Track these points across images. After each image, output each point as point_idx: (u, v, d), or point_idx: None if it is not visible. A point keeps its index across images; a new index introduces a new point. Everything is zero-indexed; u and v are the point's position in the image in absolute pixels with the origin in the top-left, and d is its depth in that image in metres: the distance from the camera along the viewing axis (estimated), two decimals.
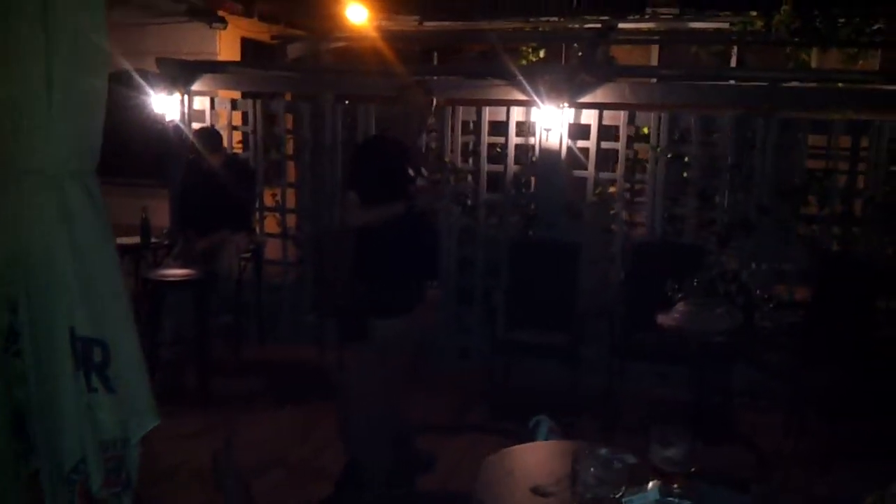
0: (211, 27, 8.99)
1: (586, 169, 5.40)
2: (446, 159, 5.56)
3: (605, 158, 5.52)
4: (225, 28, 9.04)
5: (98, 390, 2.28)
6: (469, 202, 5.69)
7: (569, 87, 5.26)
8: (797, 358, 4.37)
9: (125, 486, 2.41)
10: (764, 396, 4.73)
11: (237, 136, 6.33)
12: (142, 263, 5.68)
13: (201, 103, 6.06)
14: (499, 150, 5.58)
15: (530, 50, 8.66)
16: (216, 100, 6.08)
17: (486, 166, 5.59)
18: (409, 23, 9.02)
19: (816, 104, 5.46)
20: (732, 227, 5.07)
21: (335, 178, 5.84)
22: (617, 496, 2.12)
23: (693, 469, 2.20)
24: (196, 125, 5.86)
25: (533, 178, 5.53)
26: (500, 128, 5.59)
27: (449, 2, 9.20)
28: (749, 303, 3.92)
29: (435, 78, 5.77)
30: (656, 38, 8.63)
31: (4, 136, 2.21)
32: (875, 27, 7.22)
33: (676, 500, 2.09)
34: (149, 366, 4.59)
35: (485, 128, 5.56)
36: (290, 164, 6.21)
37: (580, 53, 8.31)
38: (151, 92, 5.86)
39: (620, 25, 8.80)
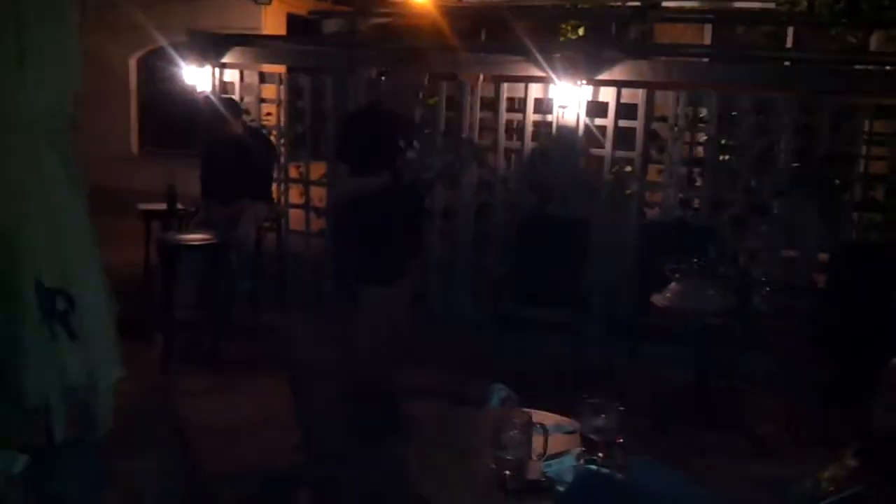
0: (257, 2, 9.20)
1: (603, 147, 5.37)
2: (464, 135, 5.61)
3: (627, 137, 5.47)
4: (270, 3, 9.23)
5: (61, 338, 2.42)
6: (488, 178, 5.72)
7: (586, 63, 5.22)
8: (803, 344, 4.29)
9: (90, 428, 2.57)
10: (770, 382, 4.65)
11: (266, 108, 6.49)
12: (168, 229, 5.91)
13: (231, 76, 6.24)
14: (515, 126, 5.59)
15: (569, 28, 8.57)
16: (245, 73, 6.25)
17: (504, 142, 5.62)
18: None
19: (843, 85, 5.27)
20: (752, 210, 4.98)
21: None
22: (540, 460, 2.17)
23: (620, 439, 2.22)
24: (225, 97, 6.04)
25: (539, 156, 5.51)
26: (521, 105, 5.60)
27: None
28: (745, 285, 3.86)
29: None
30: (697, 16, 8.43)
31: None
32: None
33: (594, 468, 2.12)
34: (164, 327, 4.87)
35: (503, 104, 5.57)
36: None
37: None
38: (182, 64, 6.07)
39: (666, 4, 8.63)
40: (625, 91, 5.31)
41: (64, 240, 2.48)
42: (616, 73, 5.29)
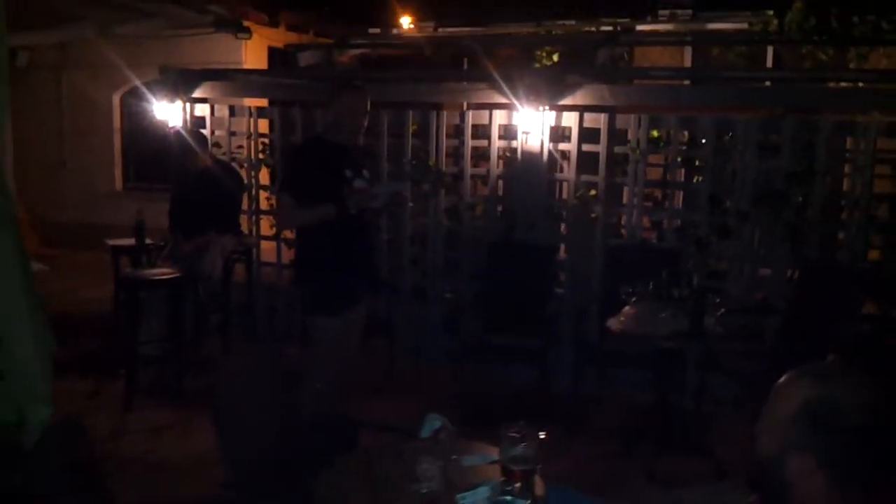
0: (237, 37, 9.29)
1: (563, 172, 5.38)
2: (430, 163, 5.63)
3: (592, 161, 5.48)
4: (250, 38, 9.33)
5: None
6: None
7: (548, 89, 5.25)
8: (762, 365, 4.25)
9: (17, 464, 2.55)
10: (736, 404, 4.61)
11: (237, 141, 6.53)
12: (136, 265, 5.92)
13: (202, 110, 6.28)
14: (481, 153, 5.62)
15: (545, 54, 8.64)
16: (216, 107, 6.29)
17: (469, 169, 5.63)
18: (425, 29, 9.12)
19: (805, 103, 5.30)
20: (714, 231, 4.98)
21: None
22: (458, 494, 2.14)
23: (539, 467, 2.19)
24: (193, 130, 6.08)
25: (500, 182, 5.53)
26: (486, 131, 5.62)
27: (468, 6, 9.27)
28: (698, 307, 3.83)
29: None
30: (672, 39, 8.50)
31: None
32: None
33: (509, 499, 2.09)
34: (128, 363, 4.84)
35: (468, 131, 5.60)
36: None
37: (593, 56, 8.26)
38: (153, 100, 6.12)
39: (639, 28, 8.71)
40: (588, 116, 5.33)
41: None
42: (578, 97, 5.32)
